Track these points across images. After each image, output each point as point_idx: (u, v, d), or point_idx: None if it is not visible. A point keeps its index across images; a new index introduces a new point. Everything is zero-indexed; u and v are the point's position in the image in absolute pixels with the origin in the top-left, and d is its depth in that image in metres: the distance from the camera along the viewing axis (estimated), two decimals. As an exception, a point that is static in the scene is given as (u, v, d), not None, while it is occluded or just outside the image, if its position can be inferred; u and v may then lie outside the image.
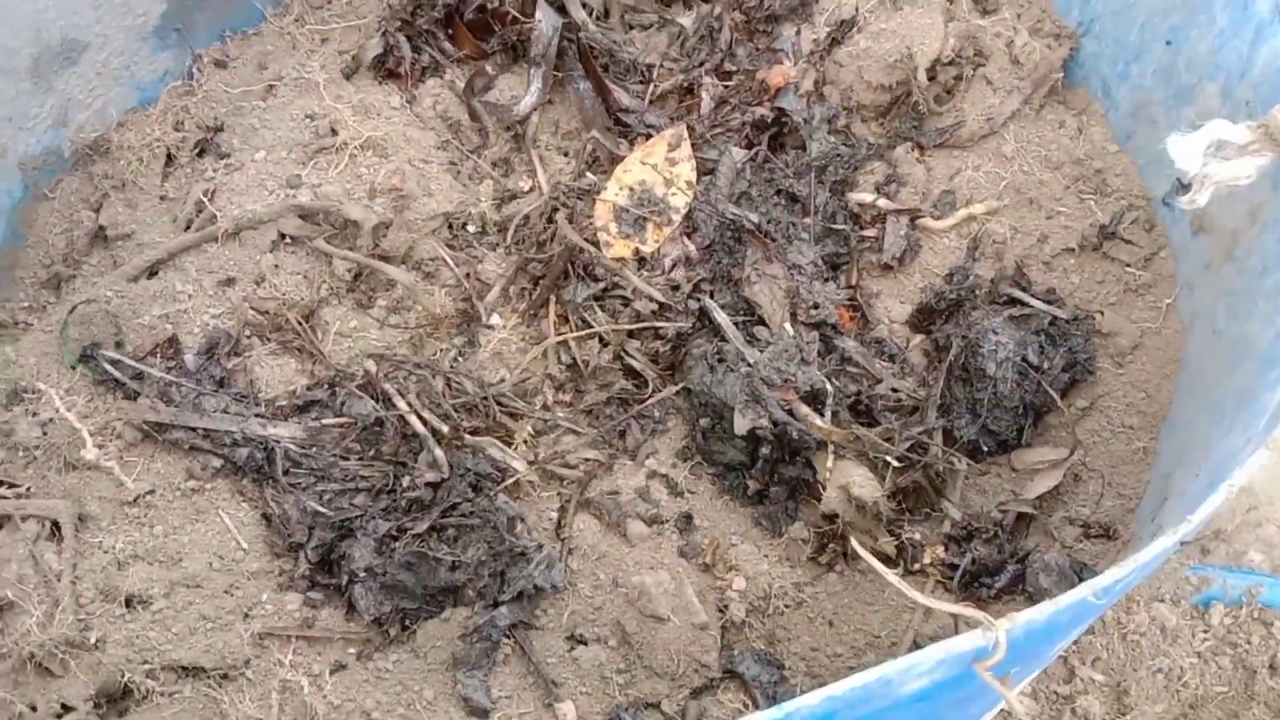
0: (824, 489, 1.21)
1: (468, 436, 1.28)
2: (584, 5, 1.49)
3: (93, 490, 1.26)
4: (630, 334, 1.36)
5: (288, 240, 1.40)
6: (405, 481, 1.24)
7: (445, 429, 1.28)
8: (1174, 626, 1.62)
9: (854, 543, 1.05)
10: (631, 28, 1.55)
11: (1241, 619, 1.62)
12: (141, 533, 1.24)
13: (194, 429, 1.29)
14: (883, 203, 1.39)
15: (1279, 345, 1.03)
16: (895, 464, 1.23)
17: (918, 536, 1.27)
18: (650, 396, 1.32)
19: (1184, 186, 1.10)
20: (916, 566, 1.26)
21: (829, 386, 1.26)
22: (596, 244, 1.38)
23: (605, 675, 1.20)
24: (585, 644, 1.21)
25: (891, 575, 0.81)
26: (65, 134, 1.47)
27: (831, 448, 1.23)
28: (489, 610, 1.20)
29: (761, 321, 1.30)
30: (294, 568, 1.25)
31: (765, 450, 1.28)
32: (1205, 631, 1.62)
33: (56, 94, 1.45)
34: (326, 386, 1.32)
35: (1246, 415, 1.00)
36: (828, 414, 1.26)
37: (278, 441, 1.27)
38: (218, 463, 1.29)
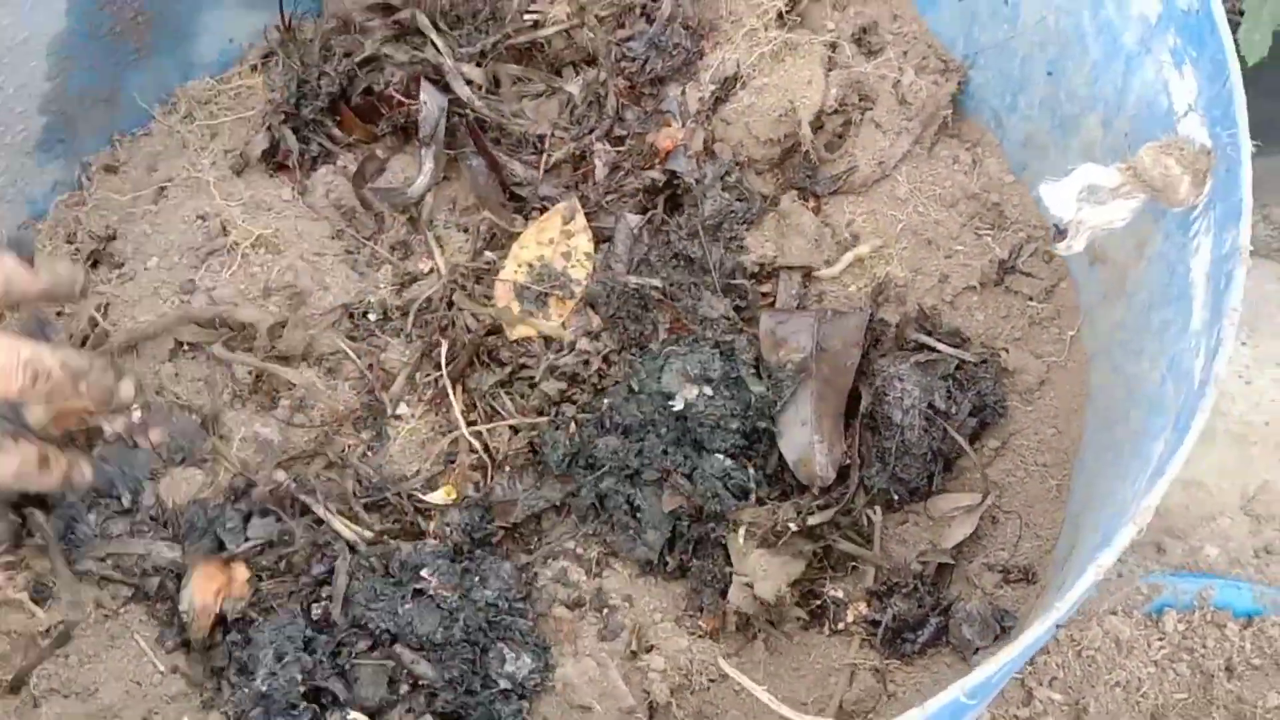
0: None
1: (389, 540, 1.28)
2: (469, 81, 1.48)
3: (2, 624, 1.24)
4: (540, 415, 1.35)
5: (185, 347, 1.39)
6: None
7: (365, 535, 1.27)
8: (1128, 638, 1.62)
9: (720, 662, 1.04)
10: (522, 97, 1.53)
11: (1195, 624, 1.62)
12: (56, 665, 1.22)
13: (102, 558, 1.28)
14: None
15: (1163, 390, 1.02)
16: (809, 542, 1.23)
17: (840, 594, 1.26)
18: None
19: (1060, 232, 1.10)
20: (840, 626, 1.25)
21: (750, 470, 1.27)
22: (499, 328, 1.37)
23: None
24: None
25: (761, 693, 0.80)
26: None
27: (744, 528, 1.22)
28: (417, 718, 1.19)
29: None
30: (217, 691, 1.23)
31: (684, 525, 1.27)
32: (1160, 639, 1.62)
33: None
34: (230, 499, 1.29)
35: (1137, 464, 0.99)
36: (752, 497, 1.26)
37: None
38: (128, 591, 1.27)
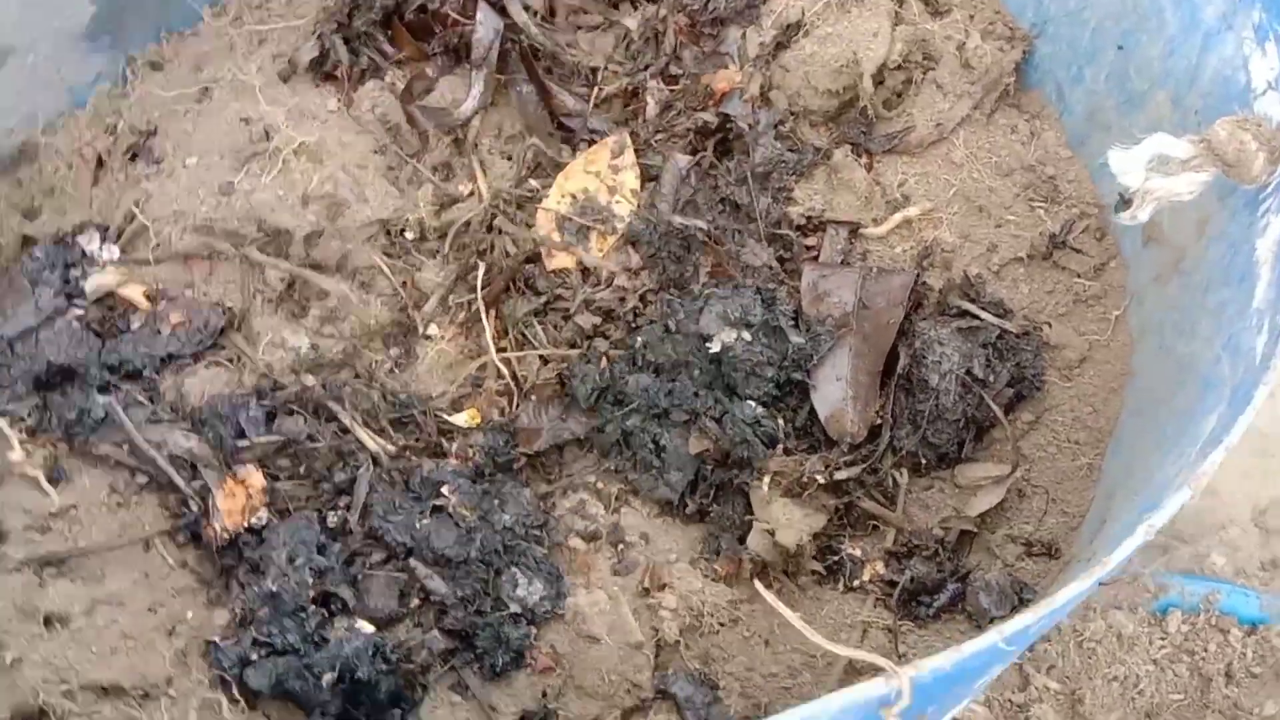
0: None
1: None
2: (526, 7, 1.46)
3: (15, 502, 1.23)
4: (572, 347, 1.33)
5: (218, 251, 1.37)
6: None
7: (389, 448, 1.26)
8: (1131, 634, 1.60)
9: (758, 586, 1.03)
10: (578, 29, 1.51)
11: (1199, 626, 1.61)
12: (64, 548, 1.21)
13: (119, 443, 1.27)
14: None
15: (1218, 369, 1.00)
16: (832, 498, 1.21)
17: (858, 552, 1.25)
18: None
19: (1125, 201, 1.08)
20: (856, 583, 1.24)
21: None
22: (538, 256, 1.36)
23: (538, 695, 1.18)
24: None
25: (796, 619, 0.80)
26: (-9, 137, 1.43)
27: (769, 476, 1.21)
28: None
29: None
30: (225, 589, 1.22)
31: (708, 469, 1.26)
32: (1162, 639, 1.61)
33: (-18, 96, 1.41)
34: (255, 396, 1.28)
35: (1185, 440, 0.97)
36: (780, 447, 1.24)
37: (206, 464, 1.23)
38: (143, 479, 1.26)
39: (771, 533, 1.19)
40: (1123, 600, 1.64)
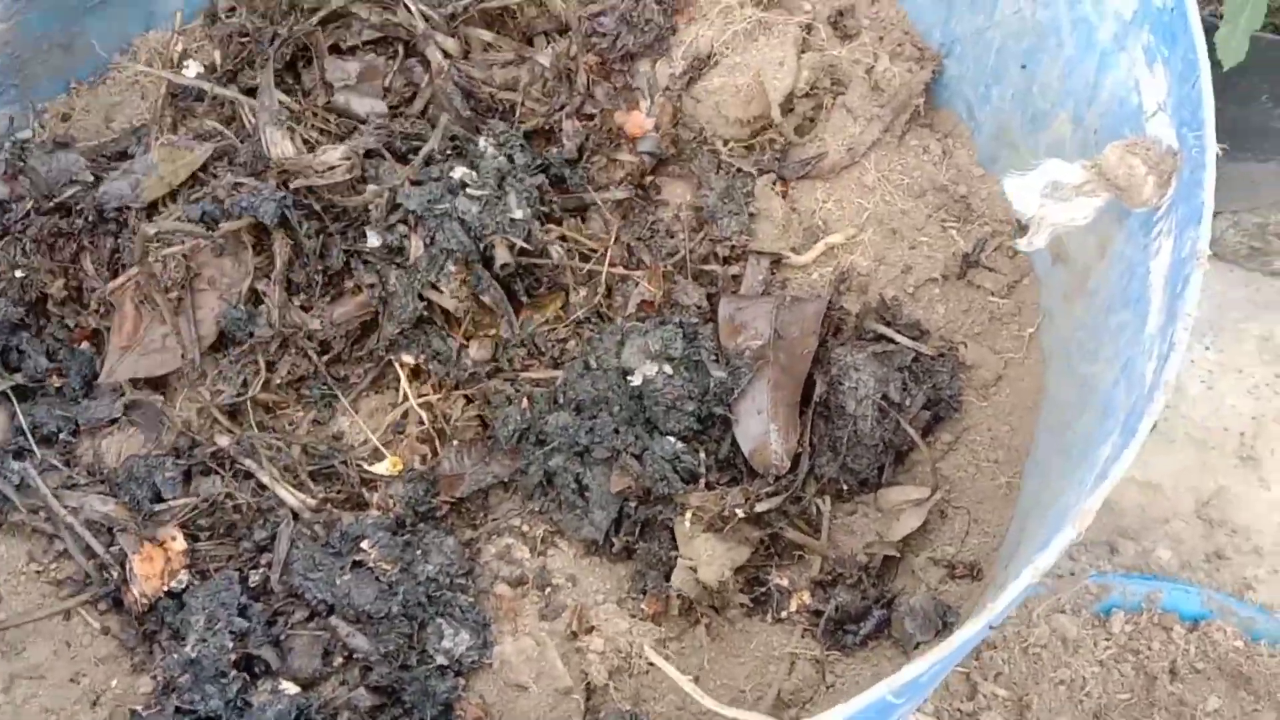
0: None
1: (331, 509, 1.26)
2: (444, 52, 1.44)
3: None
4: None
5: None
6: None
7: (309, 502, 1.25)
8: (1075, 637, 1.62)
9: (647, 649, 1.03)
10: (491, 65, 1.50)
11: (1142, 625, 1.63)
12: (-17, 621, 1.20)
13: (35, 510, 1.25)
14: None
15: (1115, 392, 1.01)
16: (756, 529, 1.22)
17: (785, 582, 1.25)
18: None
19: (1022, 227, 1.09)
20: (784, 614, 1.24)
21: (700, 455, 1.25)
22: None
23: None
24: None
25: (685, 682, 0.79)
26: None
27: (690, 512, 1.21)
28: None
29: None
30: (149, 655, 1.21)
31: (631, 507, 1.26)
32: (1106, 640, 1.63)
33: (-117, 159, 1.38)
34: (172, 456, 1.27)
35: (1084, 468, 0.98)
36: (701, 481, 1.25)
37: (122, 528, 1.22)
38: (61, 545, 1.25)
39: (694, 569, 1.19)
40: (1065, 604, 1.66)
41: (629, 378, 1.24)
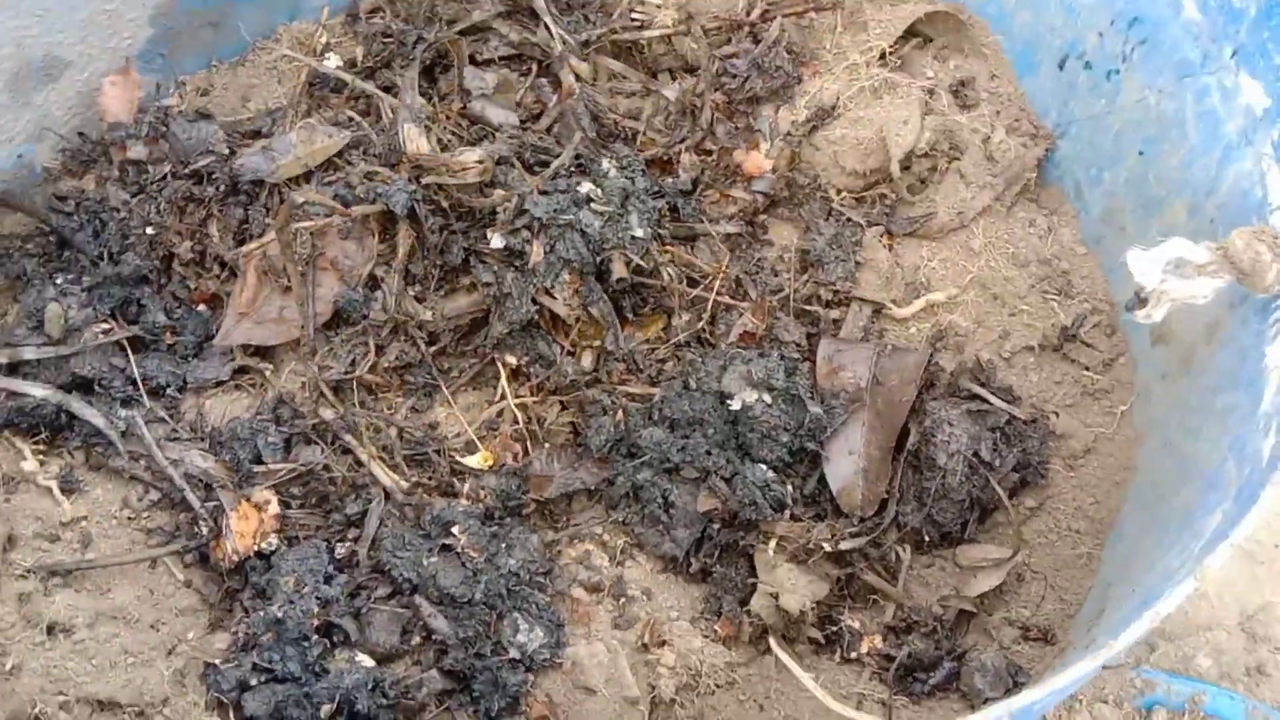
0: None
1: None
2: (576, 76, 1.50)
3: (28, 509, 1.24)
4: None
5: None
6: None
7: (402, 484, 1.27)
8: (1115, 729, 1.61)
9: (773, 644, 1.04)
10: (616, 94, 1.55)
11: (1182, 726, 1.61)
12: (73, 559, 1.22)
13: (137, 458, 1.28)
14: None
15: (1224, 469, 1.02)
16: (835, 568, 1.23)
17: (856, 624, 1.26)
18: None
19: (1141, 300, 1.11)
20: (854, 654, 1.25)
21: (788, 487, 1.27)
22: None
23: (530, 743, 1.18)
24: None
25: (809, 681, 0.81)
26: (39, 148, 1.46)
27: (775, 540, 1.23)
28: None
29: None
30: (227, 613, 1.23)
31: (714, 529, 1.28)
32: (1146, 736, 1.61)
33: (34, 109, 1.44)
34: (274, 423, 1.30)
35: (1187, 536, 1.00)
36: (787, 513, 1.27)
37: (222, 485, 1.25)
38: (156, 495, 1.28)
39: (775, 596, 1.21)
40: (1109, 694, 1.65)
41: (728, 402, 1.27)
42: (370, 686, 1.13)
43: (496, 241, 1.32)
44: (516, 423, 1.36)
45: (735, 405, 1.26)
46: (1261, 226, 1.08)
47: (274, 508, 1.23)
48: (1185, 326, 1.24)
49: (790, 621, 1.21)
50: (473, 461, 1.33)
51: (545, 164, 1.40)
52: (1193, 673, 1.80)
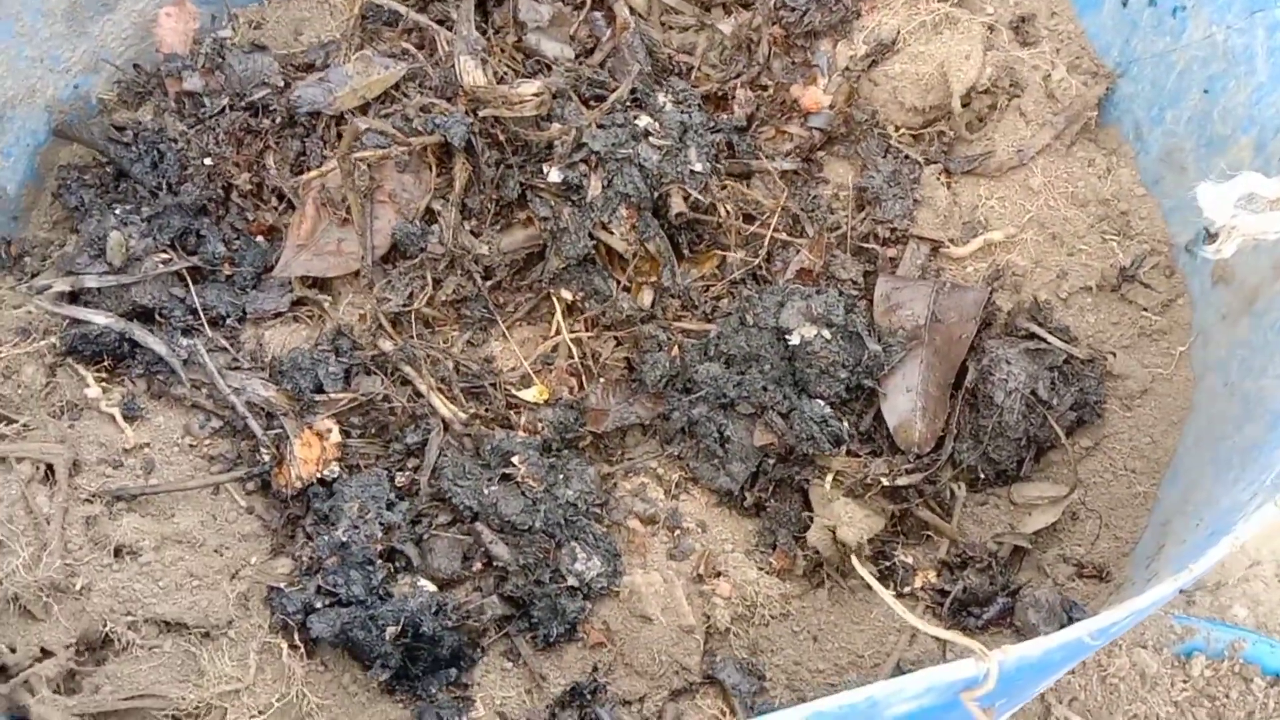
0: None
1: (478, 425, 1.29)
2: (630, 8, 1.48)
3: (91, 435, 1.26)
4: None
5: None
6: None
7: (460, 415, 1.28)
8: (1154, 674, 1.62)
9: (855, 561, 1.05)
10: (669, 29, 1.54)
11: (1222, 672, 1.62)
12: (137, 484, 1.24)
13: (199, 386, 1.30)
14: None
15: (1292, 403, 1.02)
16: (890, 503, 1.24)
17: (910, 560, 1.27)
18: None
19: (1210, 236, 1.10)
20: (907, 589, 1.26)
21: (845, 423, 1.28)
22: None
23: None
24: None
25: (890, 597, 0.81)
26: (95, 80, 1.47)
27: (832, 475, 1.23)
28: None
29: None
30: (289, 538, 1.25)
31: (770, 463, 1.28)
32: (1185, 682, 1.62)
33: (90, 40, 1.44)
34: (334, 354, 1.31)
35: (1254, 470, 1.00)
36: (843, 449, 1.27)
37: (284, 413, 1.26)
38: (217, 423, 1.29)
39: (832, 530, 1.22)
40: (1148, 640, 1.65)
41: (787, 337, 1.27)
42: (434, 610, 1.15)
43: (554, 175, 1.31)
44: (571, 357, 1.37)
45: (794, 340, 1.26)
46: (1337, 161, 1.06)
47: (336, 436, 1.25)
48: (1249, 266, 1.23)
49: (845, 555, 1.22)
50: (528, 395, 1.34)
51: (601, 98, 1.40)
52: (1229, 622, 1.80)
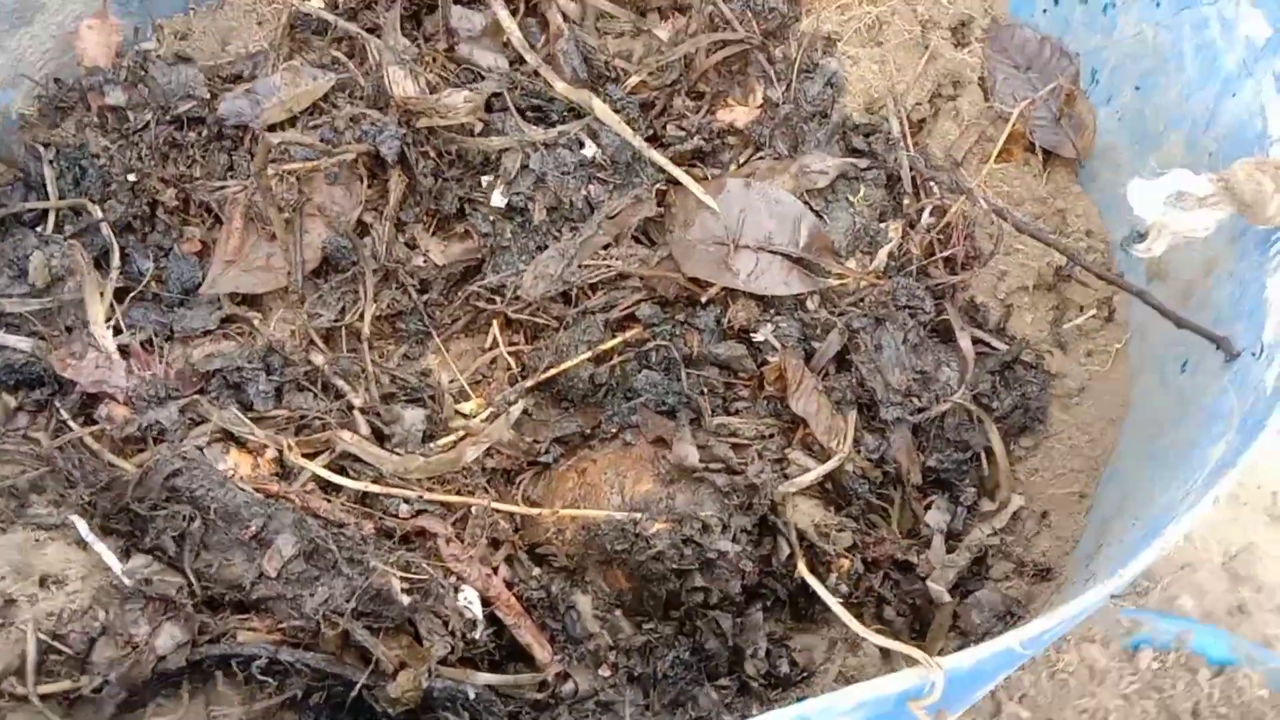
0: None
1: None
2: (564, 15, 1.47)
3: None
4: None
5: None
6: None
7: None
8: (1102, 667, 1.63)
9: (802, 568, 1.04)
10: (604, 34, 1.52)
11: (1169, 664, 1.64)
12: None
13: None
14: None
15: (1223, 400, 1.03)
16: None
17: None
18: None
19: (1140, 235, 1.11)
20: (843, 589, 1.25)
21: None
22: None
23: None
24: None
25: (837, 605, 0.80)
26: (14, 95, 1.43)
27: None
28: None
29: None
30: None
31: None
32: (1133, 675, 1.64)
33: (7, 54, 1.40)
34: (264, 371, 1.28)
35: (1187, 468, 1.00)
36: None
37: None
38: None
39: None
40: (1096, 634, 1.67)
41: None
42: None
43: (497, 199, 1.30)
44: (509, 369, 1.35)
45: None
46: (1263, 158, 1.07)
47: (270, 454, 1.22)
48: (1182, 262, 1.24)
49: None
50: (467, 408, 1.32)
51: (537, 108, 1.38)
52: (1177, 613, 1.82)
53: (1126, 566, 0.77)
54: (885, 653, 1.21)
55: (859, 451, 1.24)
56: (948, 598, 1.20)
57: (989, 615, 1.20)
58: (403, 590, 1.04)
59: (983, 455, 1.30)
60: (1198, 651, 1.63)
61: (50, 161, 1.37)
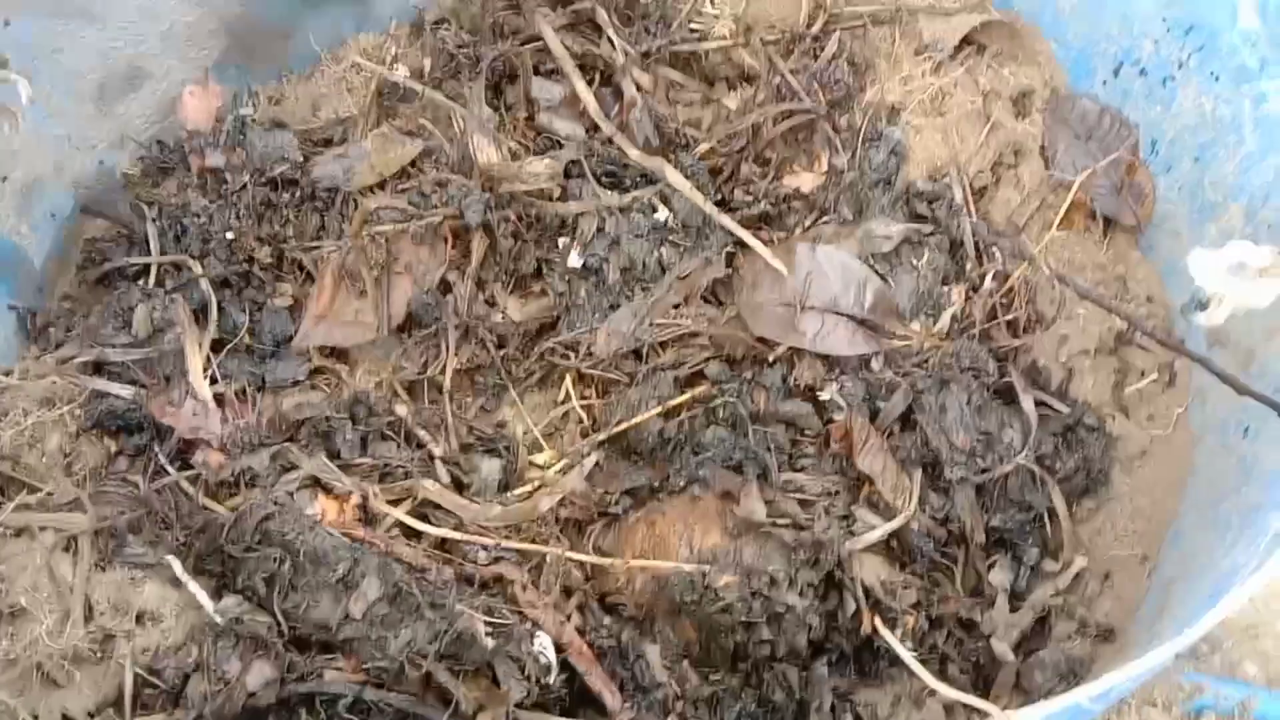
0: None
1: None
2: (638, 85, 1.53)
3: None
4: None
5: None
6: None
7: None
8: (1164, 732, 1.62)
9: (877, 622, 1.07)
10: (675, 103, 1.59)
11: (1232, 730, 1.62)
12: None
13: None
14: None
15: (1288, 465, 1.05)
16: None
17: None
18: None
19: (1202, 303, 1.14)
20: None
21: None
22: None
23: None
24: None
25: (910, 658, 0.83)
26: (120, 156, 1.52)
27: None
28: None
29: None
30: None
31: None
32: (1194, 740, 1.62)
33: (116, 118, 1.50)
34: (350, 421, 1.34)
35: (1251, 532, 1.02)
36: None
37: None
38: (238, 490, 1.32)
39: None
40: (1158, 698, 1.66)
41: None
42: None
43: (573, 260, 1.36)
44: (581, 422, 1.40)
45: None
46: (1323, 230, 1.10)
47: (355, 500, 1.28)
48: (1244, 330, 1.26)
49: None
50: (540, 459, 1.37)
51: (612, 174, 1.45)
52: (1240, 678, 1.81)
53: (1193, 626, 0.80)
54: (949, 710, 1.23)
55: (924, 510, 1.27)
56: (1011, 656, 1.22)
57: (1051, 675, 1.22)
58: (486, 634, 1.09)
59: (1045, 516, 1.32)
60: (1262, 718, 1.61)
61: (153, 219, 1.45)
